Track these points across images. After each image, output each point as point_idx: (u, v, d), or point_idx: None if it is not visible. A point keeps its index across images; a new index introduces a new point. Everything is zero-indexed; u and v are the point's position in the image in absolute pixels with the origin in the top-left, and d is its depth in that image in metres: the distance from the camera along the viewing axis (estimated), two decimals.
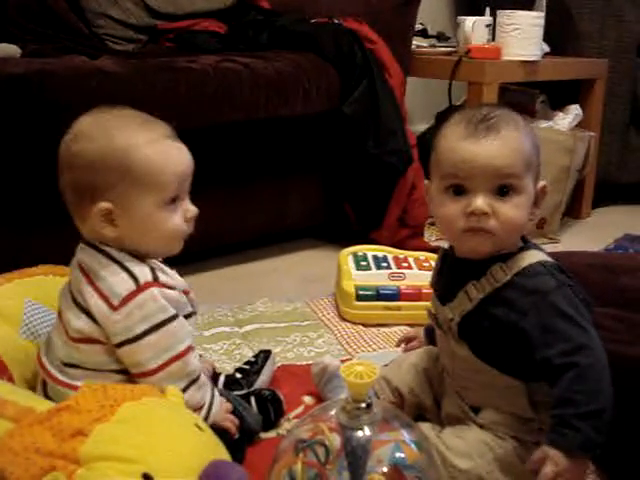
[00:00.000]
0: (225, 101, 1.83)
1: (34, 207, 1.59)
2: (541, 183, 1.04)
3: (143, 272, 1.00)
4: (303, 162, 2.14)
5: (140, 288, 0.98)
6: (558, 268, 1.01)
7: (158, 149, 0.99)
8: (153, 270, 1.01)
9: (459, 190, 0.99)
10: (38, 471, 0.74)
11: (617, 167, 2.72)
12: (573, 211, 2.62)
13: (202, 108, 1.79)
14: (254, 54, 2.01)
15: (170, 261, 1.07)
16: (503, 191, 0.98)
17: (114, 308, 0.98)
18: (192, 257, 1.98)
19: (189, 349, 1.03)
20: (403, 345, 1.35)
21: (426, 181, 1.09)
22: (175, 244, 1.05)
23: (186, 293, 1.08)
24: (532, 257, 1.02)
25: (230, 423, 1.08)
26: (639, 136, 2.71)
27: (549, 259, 1.03)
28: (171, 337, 1.00)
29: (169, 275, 1.05)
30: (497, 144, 0.98)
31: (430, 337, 1.25)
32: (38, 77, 1.56)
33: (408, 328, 1.58)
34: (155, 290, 0.99)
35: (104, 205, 0.98)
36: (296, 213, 2.18)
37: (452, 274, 1.10)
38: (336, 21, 2.16)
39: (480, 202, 0.97)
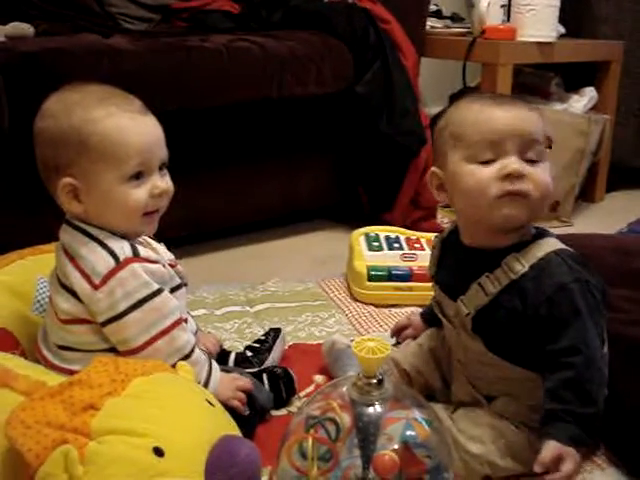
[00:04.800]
0: (238, 80, 1.83)
1: None
2: None
3: (122, 248, 0.99)
4: (316, 142, 2.13)
5: (120, 265, 0.98)
6: (573, 257, 0.99)
7: (115, 124, 0.98)
8: (133, 245, 1.00)
9: (490, 157, 0.97)
10: (50, 444, 0.75)
11: (632, 150, 2.70)
12: (587, 194, 2.59)
13: (215, 87, 1.79)
14: (267, 34, 2.00)
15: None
16: (532, 156, 0.98)
17: (96, 287, 0.97)
18: (204, 237, 1.99)
19: (176, 324, 1.01)
20: (396, 337, 1.35)
21: (433, 168, 1.06)
22: (137, 220, 1.02)
23: (173, 266, 1.08)
24: (547, 246, 1.00)
25: (237, 402, 1.07)
26: None
27: (564, 247, 1.01)
28: (156, 312, 0.99)
29: (152, 249, 1.04)
30: (525, 110, 0.99)
31: (430, 319, 1.24)
32: (51, 55, 1.56)
33: (420, 309, 1.58)
34: (136, 266, 0.99)
35: (67, 180, 0.98)
36: (308, 194, 2.17)
37: (461, 266, 1.08)
38: (350, 0, 2.14)
39: (516, 164, 0.96)
